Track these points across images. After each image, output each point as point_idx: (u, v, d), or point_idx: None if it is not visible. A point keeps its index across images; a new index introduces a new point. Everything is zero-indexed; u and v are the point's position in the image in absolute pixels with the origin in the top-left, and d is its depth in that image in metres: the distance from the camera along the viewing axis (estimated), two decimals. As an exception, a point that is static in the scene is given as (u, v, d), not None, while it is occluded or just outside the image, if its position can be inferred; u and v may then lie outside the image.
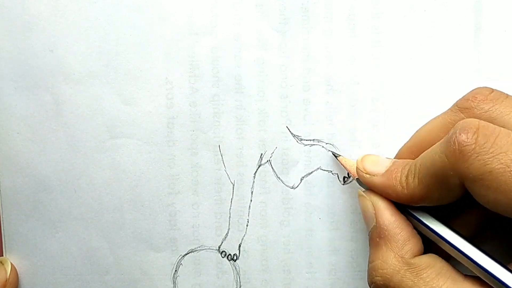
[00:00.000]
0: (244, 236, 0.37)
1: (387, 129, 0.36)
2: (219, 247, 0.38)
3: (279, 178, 0.37)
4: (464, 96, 0.32)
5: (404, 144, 0.34)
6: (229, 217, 0.37)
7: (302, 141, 0.37)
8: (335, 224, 0.37)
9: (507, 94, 0.31)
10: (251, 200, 0.37)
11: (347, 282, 0.37)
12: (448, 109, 0.32)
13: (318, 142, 0.37)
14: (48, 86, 0.37)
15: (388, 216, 0.31)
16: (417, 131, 0.34)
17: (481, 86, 0.32)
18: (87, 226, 0.38)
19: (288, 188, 0.37)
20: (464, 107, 0.31)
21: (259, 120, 0.37)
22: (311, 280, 0.37)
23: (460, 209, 0.33)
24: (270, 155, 0.37)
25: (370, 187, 0.33)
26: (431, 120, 0.33)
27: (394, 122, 0.36)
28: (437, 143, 0.30)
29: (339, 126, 0.36)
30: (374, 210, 0.32)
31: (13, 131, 0.37)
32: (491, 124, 0.29)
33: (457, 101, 0.32)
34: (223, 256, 0.38)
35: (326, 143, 0.37)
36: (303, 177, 0.37)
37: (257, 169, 0.37)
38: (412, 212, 0.31)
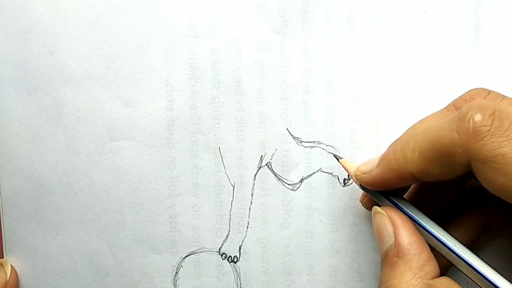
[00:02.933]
0: (244, 238, 0.37)
1: (387, 131, 0.36)
2: (219, 249, 0.38)
3: (279, 180, 0.37)
4: (461, 96, 0.31)
5: (398, 139, 0.32)
6: (230, 219, 0.37)
7: (302, 143, 0.37)
8: (336, 226, 0.37)
9: (503, 95, 0.31)
10: (251, 202, 0.37)
11: (348, 284, 0.37)
12: (444, 108, 0.32)
13: (318, 144, 0.37)
14: (48, 88, 0.37)
15: (408, 235, 0.30)
16: (410, 129, 0.32)
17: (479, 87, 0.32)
18: (88, 228, 0.38)
19: (288, 190, 0.37)
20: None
21: (259, 122, 0.37)
22: (312, 282, 0.37)
23: (457, 214, 0.33)
24: (270, 157, 0.37)
25: (371, 186, 0.32)
26: (424, 118, 0.32)
27: (394, 124, 0.36)
28: (444, 119, 0.29)
29: (339, 128, 0.36)
30: (393, 228, 0.31)
31: (13, 133, 0.37)
32: (506, 109, 0.28)
33: (454, 101, 0.32)
34: (223, 258, 0.38)
35: (326, 145, 0.37)
36: (303, 179, 0.37)
37: (257, 171, 0.37)
38: (425, 225, 0.31)
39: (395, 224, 0.31)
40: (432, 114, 0.32)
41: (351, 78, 0.36)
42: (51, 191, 0.38)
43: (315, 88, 0.36)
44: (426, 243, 0.31)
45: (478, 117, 0.27)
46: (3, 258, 0.38)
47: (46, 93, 0.37)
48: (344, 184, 0.37)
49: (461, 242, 0.30)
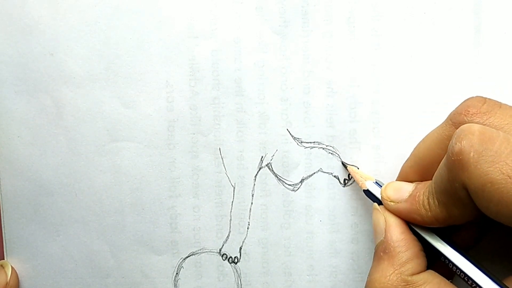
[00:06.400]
0: (245, 238, 0.37)
1: (387, 131, 0.36)
2: (220, 250, 0.38)
3: (279, 180, 0.37)
4: (456, 109, 0.30)
5: (405, 163, 0.33)
6: (230, 219, 0.37)
7: (303, 144, 0.37)
8: (336, 226, 0.37)
9: (500, 103, 0.30)
10: (251, 203, 0.37)
11: (348, 284, 0.37)
12: (443, 123, 0.31)
13: (319, 144, 0.37)
14: (48, 89, 0.37)
15: (397, 233, 0.31)
16: (415, 149, 0.33)
17: (474, 95, 0.31)
18: (88, 229, 0.38)
19: (288, 190, 0.37)
20: (458, 122, 0.30)
21: (260, 123, 0.37)
22: (312, 283, 0.37)
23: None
24: (271, 158, 0.37)
25: (397, 215, 0.32)
26: (426, 136, 0.32)
27: (394, 125, 0.36)
28: (441, 163, 0.29)
29: (339, 129, 0.36)
30: (385, 225, 0.32)
31: (14, 134, 0.37)
32: (489, 129, 0.27)
33: (450, 115, 0.31)
34: (224, 258, 0.38)
35: (327, 146, 0.37)
36: (303, 180, 0.37)
37: (257, 172, 0.37)
38: (420, 231, 0.31)
39: (387, 222, 0.32)
40: (432, 131, 0.32)
41: (351, 78, 0.36)
42: (52, 192, 0.38)
43: (315, 89, 0.36)
44: (415, 242, 0.31)
45: (458, 146, 0.27)
46: (3, 259, 0.38)
47: (47, 94, 0.37)
48: (344, 184, 0.37)
49: (465, 255, 0.30)
